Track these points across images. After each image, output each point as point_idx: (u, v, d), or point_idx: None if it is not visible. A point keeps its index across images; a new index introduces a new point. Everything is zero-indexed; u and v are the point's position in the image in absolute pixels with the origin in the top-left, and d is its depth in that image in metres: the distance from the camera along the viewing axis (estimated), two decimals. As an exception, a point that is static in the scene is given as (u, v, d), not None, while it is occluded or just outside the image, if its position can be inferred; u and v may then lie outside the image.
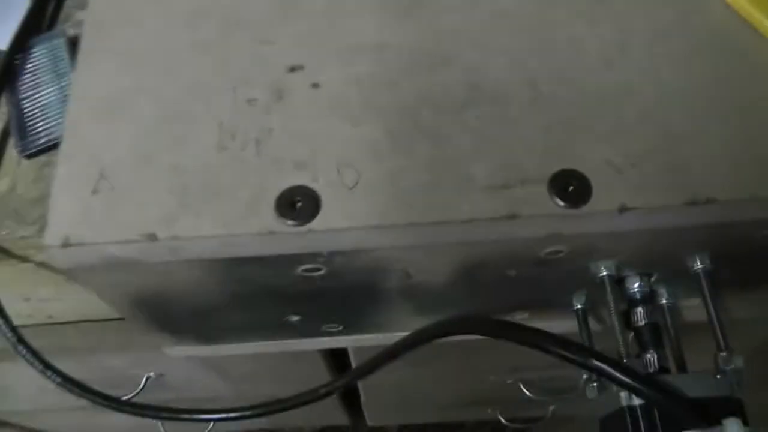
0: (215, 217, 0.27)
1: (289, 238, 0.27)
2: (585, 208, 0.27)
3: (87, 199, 0.28)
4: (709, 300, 0.31)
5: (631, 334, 0.33)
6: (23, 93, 0.48)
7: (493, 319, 0.32)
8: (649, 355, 0.32)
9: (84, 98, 0.31)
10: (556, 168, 0.28)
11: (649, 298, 0.34)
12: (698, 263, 0.32)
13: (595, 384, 0.31)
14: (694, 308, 0.36)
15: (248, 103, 0.30)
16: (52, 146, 0.48)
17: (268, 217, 0.27)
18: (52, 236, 0.28)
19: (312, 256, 0.29)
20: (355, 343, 0.40)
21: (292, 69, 0.30)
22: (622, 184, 0.28)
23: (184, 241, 0.27)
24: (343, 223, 0.27)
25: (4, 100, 0.49)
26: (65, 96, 0.48)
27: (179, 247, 0.28)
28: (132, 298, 0.33)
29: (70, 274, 0.30)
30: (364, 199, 0.28)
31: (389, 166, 0.28)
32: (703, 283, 0.32)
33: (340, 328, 0.38)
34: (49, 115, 0.48)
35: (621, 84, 0.30)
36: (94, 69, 0.31)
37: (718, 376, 0.30)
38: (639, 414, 0.29)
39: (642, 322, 0.33)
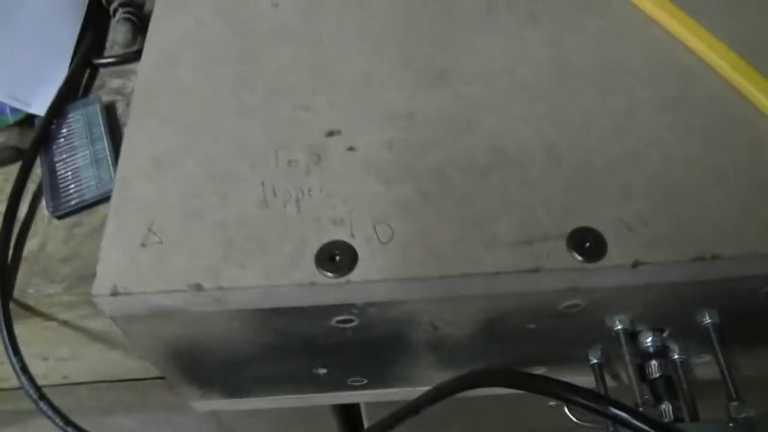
0: (258, 268, 0.30)
1: (328, 289, 0.29)
2: (601, 263, 0.29)
3: (135, 251, 0.30)
4: (718, 351, 0.33)
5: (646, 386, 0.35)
6: (58, 156, 0.51)
7: (515, 370, 0.33)
8: (663, 406, 0.33)
9: (134, 158, 0.33)
10: (573, 226, 0.30)
11: (662, 352, 0.35)
12: (707, 318, 0.34)
13: (613, 435, 0.33)
14: (705, 365, 0.38)
15: (289, 164, 0.32)
16: (83, 208, 0.50)
17: (308, 270, 0.29)
18: (101, 286, 0.30)
19: (347, 307, 0.31)
20: (377, 397, 0.41)
21: (330, 133, 0.33)
22: (634, 241, 0.30)
23: (229, 291, 0.29)
24: (379, 275, 0.29)
25: (39, 162, 0.52)
26: (98, 160, 0.51)
27: (223, 297, 0.30)
28: (169, 349, 0.34)
29: (116, 322, 0.31)
30: (397, 253, 0.30)
31: (420, 224, 0.30)
32: (713, 335, 0.33)
33: (365, 381, 0.40)
34: (81, 177, 0.50)
35: (630, 150, 0.33)
36: (144, 131, 0.34)
37: (731, 425, 0.31)
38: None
39: (656, 375, 0.34)
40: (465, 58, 0.36)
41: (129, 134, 0.34)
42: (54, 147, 0.52)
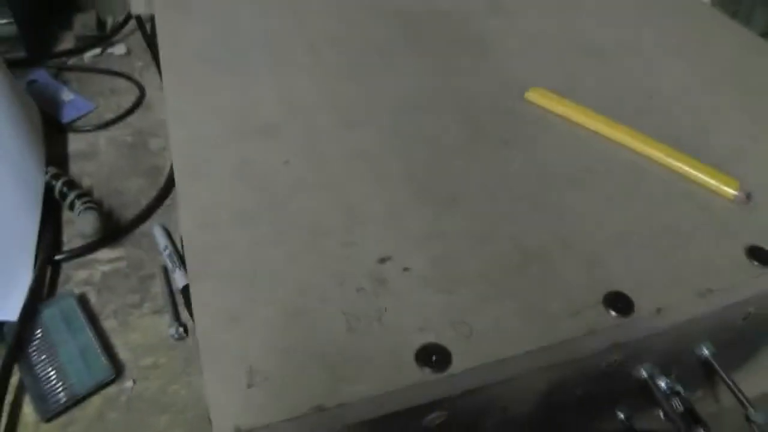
0: (370, 380, 0.33)
1: (435, 385, 0.33)
2: (633, 315, 0.36)
3: (244, 391, 0.32)
4: (718, 369, 0.40)
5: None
6: (37, 357, 0.51)
7: None
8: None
9: (206, 314, 0.35)
10: (603, 291, 0.37)
11: (676, 390, 0.42)
12: (704, 350, 0.42)
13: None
14: (699, 401, 0.44)
15: (357, 291, 0.36)
16: (74, 404, 0.49)
17: (413, 372, 0.33)
18: (222, 429, 0.31)
19: (443, 401, 0.34)
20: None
21: (382, 260, 0.38)
22: (651, 294, 0.38)
23: (348, 406, 0.32)
24: (474, 363, 0.34)
25: (17, 369, 0.50)
26: (85, 350, 0.51)
27: (344, 414, 0.32)
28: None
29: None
30: (482, 343, 0.34)
31: (490, 317, 0.36)
32: (712, 361, 0.41)
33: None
34: (68, 372, 0.50)
35: (618, 232, 0.41)
36: (207, 289, 0.36)
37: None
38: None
39: (681, 409, 0.41)
40: (465, 180, 0.43)
41: (195, 293, 0.36)
42: (30, 350, 0.51)
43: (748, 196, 0.43)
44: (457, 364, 0.34)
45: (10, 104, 0.57)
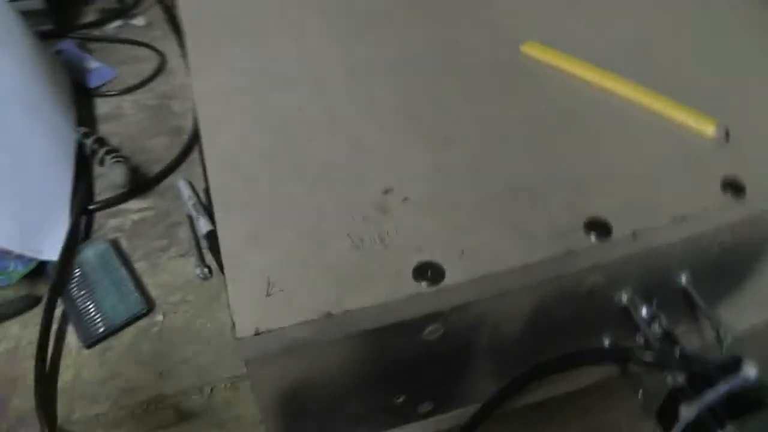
0: (372, 292, 0.37)
1: (429, 297, 0.37)
2: (611, 237, 0.40)
3: (263, 300, 0.37)
4: (695, 296, 0.44)
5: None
6: (77, 293, 0.56)
7: (560, 356, 0.43)
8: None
9: (232, 237, 0.40)
10: (584, 217, 0.41)
11: (656, 317, 0.46)
12: (683, 278, 0.45)
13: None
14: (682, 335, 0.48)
15: (364, 219, 0.41)
16: (111, 333, 0.54)
17: (411, 285, 0.37)
18: (243, 329, 0.35)
19: (437, 316, 0.39)
20: (437, 426, 0.48)
21: (385, 191, 0.42)
22: (628, 219, 0.41)
23: (353, 313, 0.36)
24: (465, 277, 0.38)
25: (61, 301, 0.55)
26: (120, 287, 0.56)
27: (349, 320, 0.37)
28: (281, 391, 0.40)
29: (250, 365, 0.37)
30: (472, 260, 0.39)
31: (480, 238, 0.40)
32: (690, 289, 0.45)
33: (431, 407, 0.46)
34: (106, 306, 0.55)
35: (598, 167, 0.45)
36: (233, 218, 0.41)
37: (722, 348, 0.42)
38: (684, 387, 0.40)
39: (660, 333, 0.45)
40: (461, 124, 0.47)
41: (221, 224, 0.40)
42: (71, 286, 0.57)
43: (727, 135, 0.47)
44: (449, 279, 0.38)
45: (43, 68, 0.62)
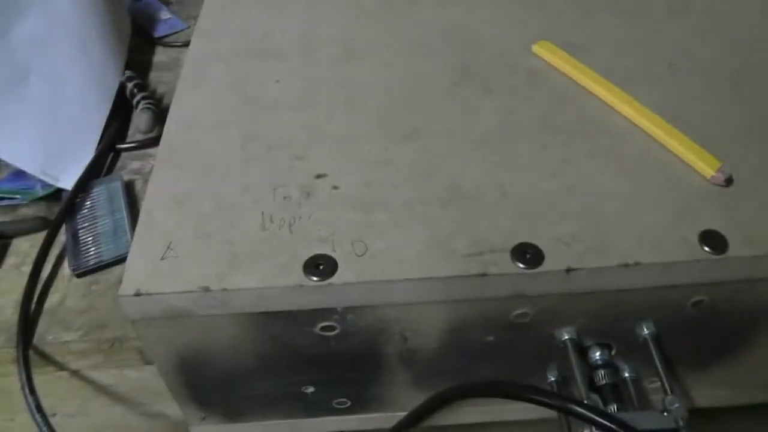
0: (257, 275, 0.36)
1: (312, 291, 0.35)
2: (539, 269, 0.36)
3: (156, 263, 0.37)
4: (654, 352, 0.38)
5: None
6: (81, 224, 0.59)
7: (484, 381, 0.39)
8: (610, 408, 0.38)
9: (157, 195, 0.40)
10: (516, 241, 0.37)
11: (610, 364, 0.41)
12: (645, 329, 0.40)
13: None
14: (657, 390, 0.42)
15: (284, 199, 0.39)
16: (101, 267, 0.57)
17: (297, 276, 0.36)
18: (126, 288, 0.36)
19: (329, 312, 0.37)
20: (360, 424, 0.46)
21: (318, 176, 0.41)
22: (568, 253, 0.36)
23: (231, 293, 0.35)
24: (355, 279, 0.35)
25: (64, 229, 0.59)
26: (117, 227, 0.58)
27: (226, 299, 0.36)
28: (176, 357, 0.40)
29: (136, 325, 0.37)
30: (370, 263, 0.36)
31: (390, 242, 0.37)
32: (650, 343, 0.39)
33: (348, 404, 0.45)
34: (101, 242, 0.58)
35: (566, 187, 0.40)
36: (166, 176, 0.41)
37: (665, 414, 0.36)
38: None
39: (603, 382, 0.40)
40: (432, 119, 0.44)
41: (154, 179, 0.41)
42: (78, 216, 0.60)
43: (729, 181, 0.40)
44: (339, 278, 0.36)
45: (102, 14, 0.66)
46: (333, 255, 0.36)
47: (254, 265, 0.36)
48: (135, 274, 0.36)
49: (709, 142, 0.41)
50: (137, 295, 0.35)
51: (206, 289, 0.35)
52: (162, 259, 0.37)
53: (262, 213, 0.39)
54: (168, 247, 0.37)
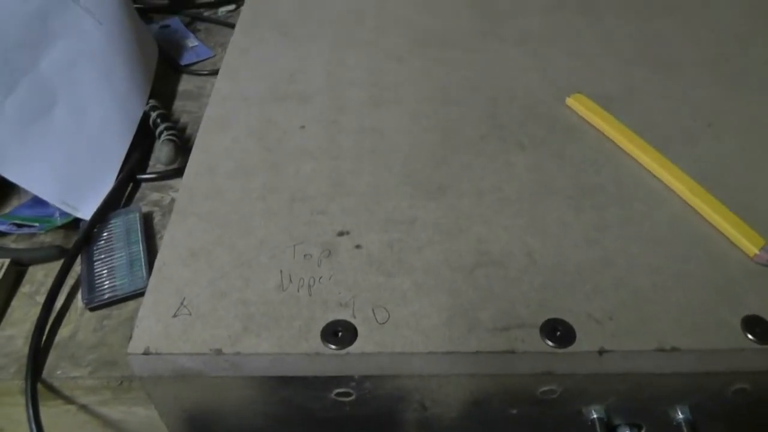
0: (272, 339, 0.34)
1: (330, 359, 0.34)
2: (570, 349, 0.34)
3: (168, 321, 0.35)
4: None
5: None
6: (97, 255, 0.58)
7: None
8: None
9: (172, 247, 0.39)
10: (546, 317, 0.35)
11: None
12: (679, 414, 0.37)
13: None
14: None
15: (304, 257, 0.38)
16: (115, 302, 0.56)
17: (314, 342, 0.34)
18: (135, 346, 0.34)
19: (346, 380, 0.35)
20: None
21: (341, 233, 0.39)
22: (601, 333, 0.34)
23: (244, 357, 0.34)
24: (375, 349, 0.34)
25: (80, 260, 0.58)
26: (133, 261, 0.57)
27: (239, 363, 0.34)
28: (183, 414, 0.38)
29: (144, 382, 0.36)
30: (392, 332, 0.34)
31: (413, 309, 0.35)
32: (684, 428, 0.37)
33: (360, 468, 0.43)
34: (116, 275, 0.56)
35: (599, 257, 0.38)
36: (183, 226, 0.40)
37: None
38: None
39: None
40: (459, 175, 0.42)
41: (170, 229, 0.40)
42: (94, 247, 0.59)
43: (774, 259, 0.37)
44: (359, 347, 0.34)
45: (129, 44, 0.65)
46: (353, 321, 0.35)
47: (270, 328, 0.35)
48: (145, 332, 0.35)
49: (751, 213, 0.39)
50: (146, 354, 0.34)
51: (218, 352, 0.34)
52: (174, 316, 0.36)
53: (281, 271, 0.37)
54: (181, 304, 0.36)
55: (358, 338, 0.34)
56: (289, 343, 0.34)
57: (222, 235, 0.39)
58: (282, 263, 0.38)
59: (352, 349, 0.34)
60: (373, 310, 0.35)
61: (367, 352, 0.34)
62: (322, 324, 0.35)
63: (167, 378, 0.35)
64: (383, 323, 0.35)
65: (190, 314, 0.36)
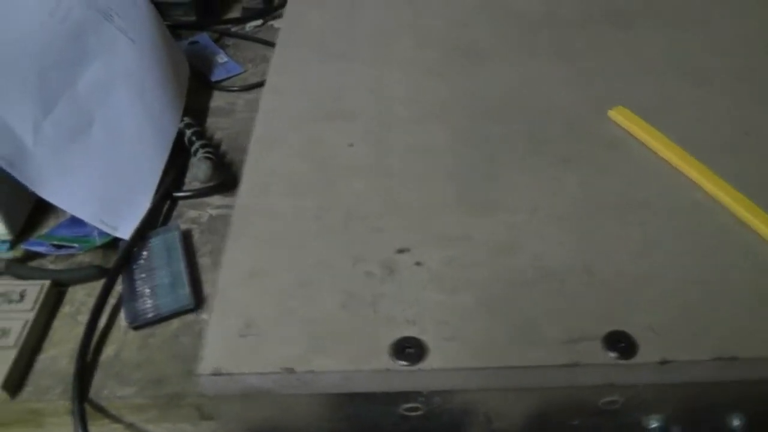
0: (342, 357, 0.35)
1: (400, 375, 0.35)
2: (633, 361, 0.35)
3: (235, 341, 0.36)
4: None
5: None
6: (138, 275, 0.58)
7: None
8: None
9: (233, 269, 0.40)
10: (608, 329, 0.36)
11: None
12: (736, 421, 0.38)
13: None
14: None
15: (366, 275, 0.39)
16: (158, 320, 0.56)
17: (384, 359, 0.35)
18: (205, 367, 0.35)
19: (415, 395, 0.36)
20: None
21: (400, 251, 0.40)
22: (661, 343, 0.35)
23: (317, 375, 0.35)
24: (445, 365, 0.34)
25: (120, 279, 0.59)
26: (176, 279, 0.58)
27: (311, 381, 0.35)
28: (248, 430, 0.39)
29: (212, 402, 0.36)
30: (460, 348, 0.35)
31: (478, 326, 0.36)
32: (739, 435, 0.38)
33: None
34: (158, 294, 0.57)
35: (652, 270, 0.39)
36: (241, 247, 0.41)
37: None
38: None
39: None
40: (509, 192, 0.43)
41: (228, 250, 0.40)
42: (135, 267, 0.60)
43: (824, 264, 0.38)
44: (429, 363, 0.35)
45: (160, 57, 0.66)
46: (421, 338, 0.35)
47: (339, 346, 0.35)
48: (215, 351, 0.36)
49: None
50: (216, 374, 0.35)
51: (290, 371, 0.35)
52: (241, 337, 0.36)
53: (343, 290, 0.38)
54: (246, 325, 0.37)
55: (427, 354, 0.35)
56: (359, 361, 0.35)
57: (281, 255, 0.40)
58: (344, 281, 0.38)
59: (422, 365, 0.34)
60: (439, 326, 0.36)
61: (437, 368, 0.34)
62: (389, 340, 0.35)
63: (234, 397, 0.36)
64: (450, 339, 0.35)
65: (258, 335, 0.36)
